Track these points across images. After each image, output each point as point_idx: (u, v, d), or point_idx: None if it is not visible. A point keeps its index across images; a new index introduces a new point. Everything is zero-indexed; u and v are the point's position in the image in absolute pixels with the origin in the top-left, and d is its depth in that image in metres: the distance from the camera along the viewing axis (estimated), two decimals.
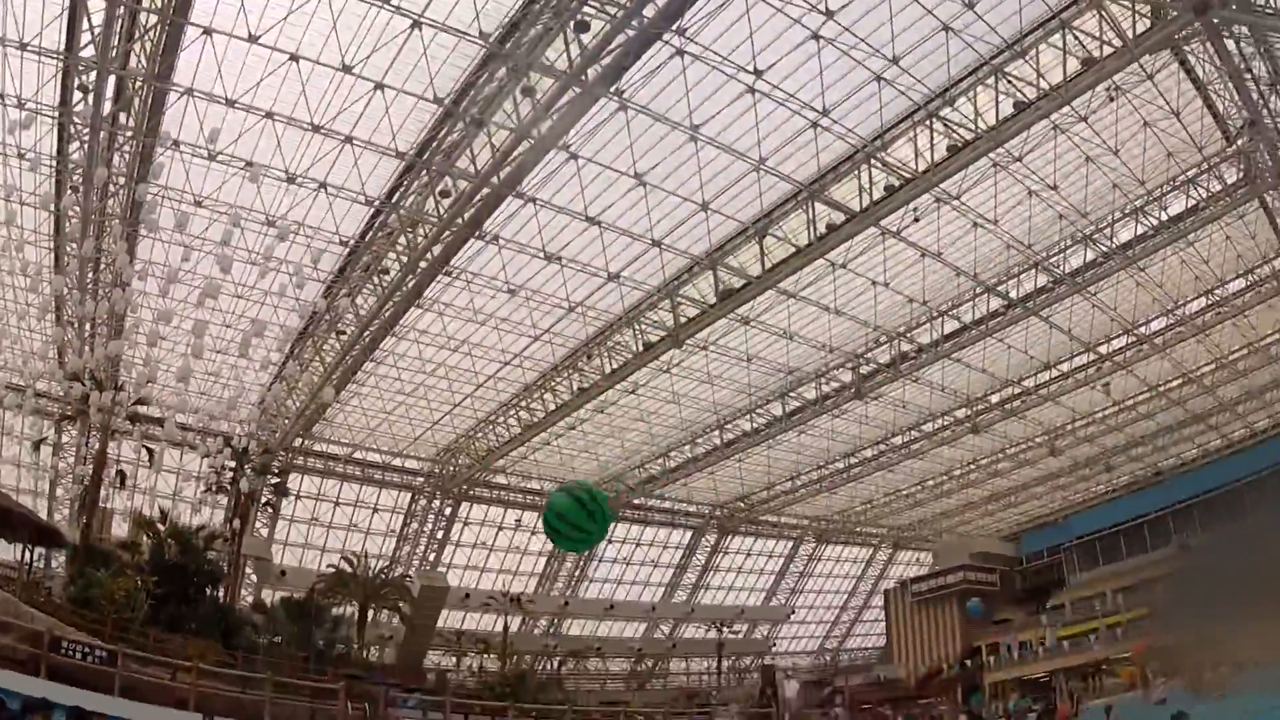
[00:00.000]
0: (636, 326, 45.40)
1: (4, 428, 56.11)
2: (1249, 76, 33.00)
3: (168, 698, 25.94)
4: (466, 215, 36.25)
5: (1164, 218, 41.39)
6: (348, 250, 40.21)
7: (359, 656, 51.03)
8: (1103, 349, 53.01)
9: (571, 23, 28.83)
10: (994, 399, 57.71)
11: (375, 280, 41.23)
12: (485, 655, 63.35)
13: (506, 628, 64.75)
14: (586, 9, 28.49)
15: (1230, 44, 31.33)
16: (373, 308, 42.28)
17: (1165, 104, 34.80)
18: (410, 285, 40.57)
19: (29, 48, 29.98)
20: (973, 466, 69.67)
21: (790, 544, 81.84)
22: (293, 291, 38.00)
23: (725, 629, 75.02)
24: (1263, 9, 29.27)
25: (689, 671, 79.54)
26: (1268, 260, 47.36)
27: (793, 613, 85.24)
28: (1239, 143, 37.60)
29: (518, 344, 47.78)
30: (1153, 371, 56.15)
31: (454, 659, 64.95)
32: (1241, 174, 39.27)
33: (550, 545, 67.36)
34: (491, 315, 45.01)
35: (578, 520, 7.86)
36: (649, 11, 28.13)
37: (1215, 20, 29.05)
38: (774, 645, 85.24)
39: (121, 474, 52.78)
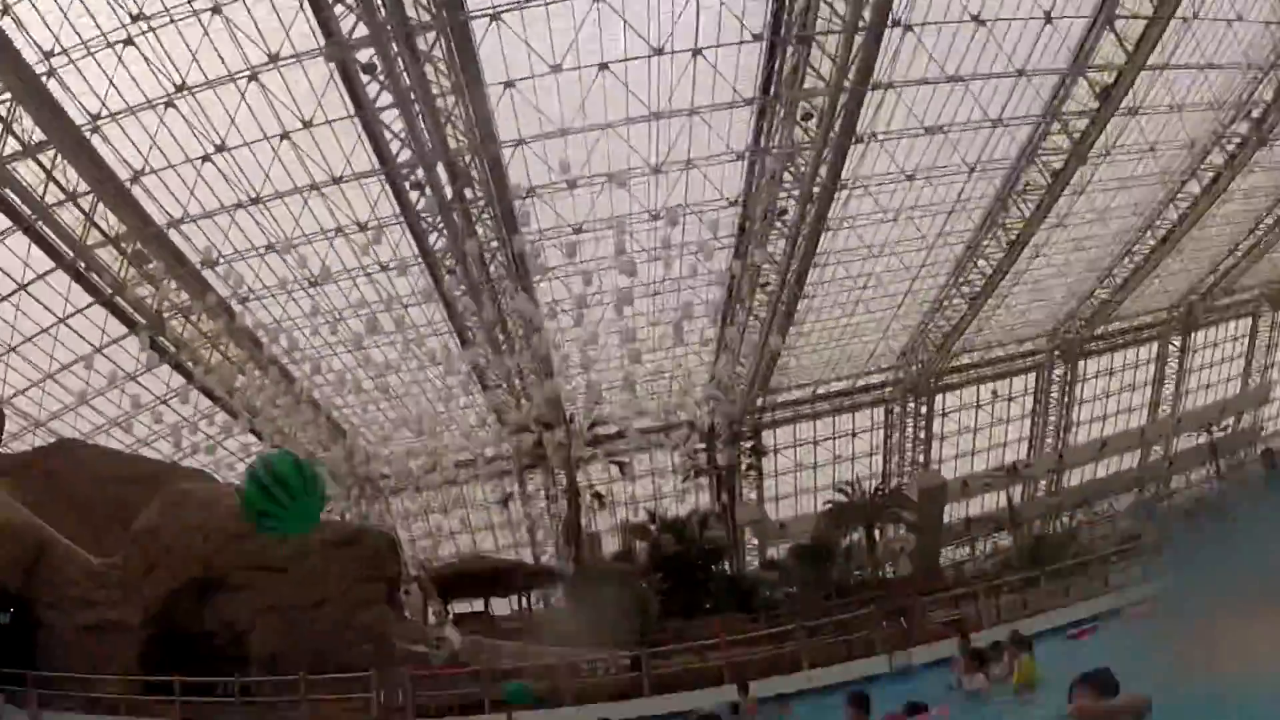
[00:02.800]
0: (1038, 161, 42.44)
1: (468, 502, 59.83)
2: None
3: (702, 681, 26.44)
4: (837, 126, 34.75)
5: None
6: (740, 207, 39.80)
7: (874, 578, 50.60)
8: None
9: None
10: None
11: (778, 225, 40.49)
12: (996, 533, 61.58)
13: (1010, 500, 62.64)
14: None
15: None
16: (785, 248, 41.79)
17: None
18: (811, 213, 39.62)
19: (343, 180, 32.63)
20: None
21: (1249, 321, 74.50)
22: (703, 268, 38.28)
23: (1214, 429, 69.14)
24: None
25: (1189, 484, 73.95)
26: None
27: (1271, 389, 77.47)
28: None
29: (935, 225, 45.87)
30: None
31: (968, 549, 63.64)
32: None
33: (1030, 405, 66.12)
34: (900, 208, 43.42)
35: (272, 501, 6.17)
36: None
37: None
38: (1263, 430, 77.82)
39: (598, 495, 54.56)
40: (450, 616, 38.39)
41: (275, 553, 28.97)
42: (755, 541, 60.12)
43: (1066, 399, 67.31)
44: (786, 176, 37.49)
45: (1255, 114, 44.31)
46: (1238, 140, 45.80)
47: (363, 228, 35.82)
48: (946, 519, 59.74)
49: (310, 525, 5.90)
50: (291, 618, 28.56)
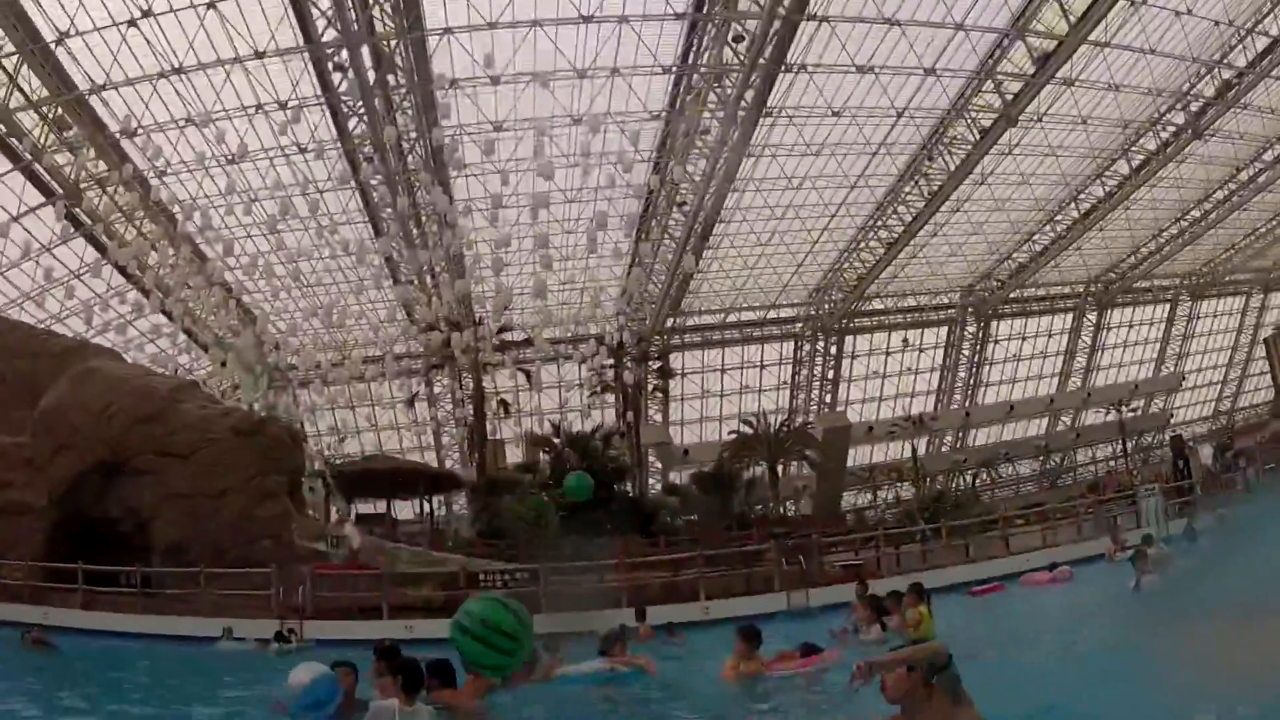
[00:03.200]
0: (967, 116, 42.73)
1: (374, 399, 59.41)
2: None
3: (598, 602, 26.54)
4: (767, 53, 34.60)
5: None
6: (662, 122, 39.78)
7: (775, 514, 50.83)
8: None
9: None
10: None
11: (700, 143, 40.48)
12: (899, 484, 62.67)
13: (915, 451, 63.46)
14: None
15: None
16: (705, 169, 41.68)
17: None
18: (735, 136, 39.30)
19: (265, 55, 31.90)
20: None
21: (1166, 308, 76.26)
22: (621, 179, 38.04)
23: (1124, 408, 70.64)
24: None
25: (1095, 461, 75.84)
26: None
27: (1184, 379, 79.46)
28: None
29: (857, 165, 46.07)
30: None
31: (870, 495, 64.63)
32: None
33: (940, 359, 67.06)
34: (823, 144, 43.60)
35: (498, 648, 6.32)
36: None
37: None
38: (1172, 416, 79.92)
39: (504, 403, 54.27)
40: (353, 515, 38.15)
41: (179, 439, 28.93)
42: (658, 465, 60.43)
43: (977, 358, 68.42)
44: (712, 97, 37.45)
45: (1194, 107, 44.92)
46: (1173, 129, 46.43)
47: (283, 106, 35.28)
48: (850, 463, 60.26)
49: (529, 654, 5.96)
50: (194, 506, 28.18)
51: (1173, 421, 75.51)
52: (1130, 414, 69.31)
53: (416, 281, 45.61)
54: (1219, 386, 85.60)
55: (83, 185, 40.06)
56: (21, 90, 35.55)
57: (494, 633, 5.96)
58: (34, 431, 29.82)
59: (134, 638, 24.11)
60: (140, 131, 36.35)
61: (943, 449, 70.44)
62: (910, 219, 50.19)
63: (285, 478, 30.38)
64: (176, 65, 34.17)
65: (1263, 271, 75.86)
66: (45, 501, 28.94)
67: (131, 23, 32.36)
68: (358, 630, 23.77)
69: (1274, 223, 63.93)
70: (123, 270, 41.52)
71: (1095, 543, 29.71)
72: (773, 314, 62.57)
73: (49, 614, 25.10)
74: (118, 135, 37.13)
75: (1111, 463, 69.81)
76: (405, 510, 49.89)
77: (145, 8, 31.56)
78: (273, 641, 22.30)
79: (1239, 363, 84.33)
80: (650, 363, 57.17)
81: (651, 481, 59.05)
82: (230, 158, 37.86)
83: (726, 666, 11.94)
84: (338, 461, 48.20)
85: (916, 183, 47.68)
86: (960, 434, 71.27)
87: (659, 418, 61.89)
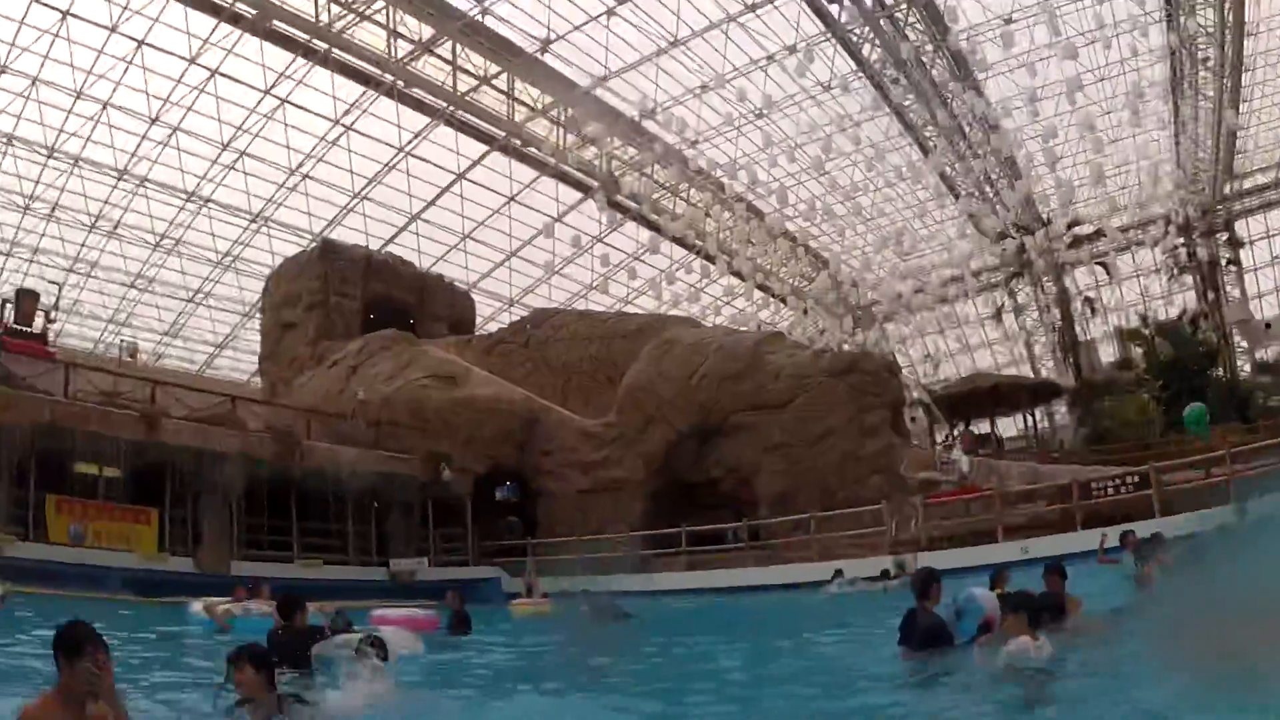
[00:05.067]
0: None
1: (960, 319, 58.73)
2: None
3: (1211, 497, 24.24)
4: None
5: None
6: None
7: None
8: None
9: None
10: None
11: None
12: None
13: None
14: None
15: None
16: (1214, 19, 38.08)
17: None
18: None
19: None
20: None
21: None
22: (1140, 43, 36.38)
23: None
24: None
25: None
26: None
27: None
28: None
29: None
30: None
31: None
32: None
33: None
34: None
35: None
36: None
37: None
38: None
39: (1088, 300, 52.50)
40: (958, 439, 37.62)
41: (772, 390, 29.52)
42: (1244, 343, 55.40)
43: None
44: None
45: None
46: None
47: (792, 50, 35.63)
48: None
49: None
50: (796, 454, 28.62)
51: None
52: None
53: (977, 192, 44.70)
54: None
55: (618, 173, 42.64)
56: (521, 102, 38.62)
57: None
58: (620, 408, 31.53)
59: (744, 591, 24.49)
60: (658, 109, 38.08)
61: None
62: None
63: (887, 411, 29.77)
64: (672, 38, 35.75)
65: None
66: (642, 474, 30.52)
67: (610, 12, 34.26)
68: (973, 556, 22.40)
69: None
70: (681, 241, 43.49)
71: None
72: None
73: (653, 580, 26.31)
74: (637, 119, 39.07)
75: None
76: (1009, 427, 49.22)
77: None
78: (879, 580, 21.87)
79: None
80: (1218, 235, 52.71)
81: (1241, 363, 54.37)
82: (758, 111, 38.89)
83: None
84: (936, 387, 48.11)
85: None
86: None
87: (1236, 293, 56.72)
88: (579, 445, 31.78)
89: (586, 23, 34.77)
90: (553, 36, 35.61)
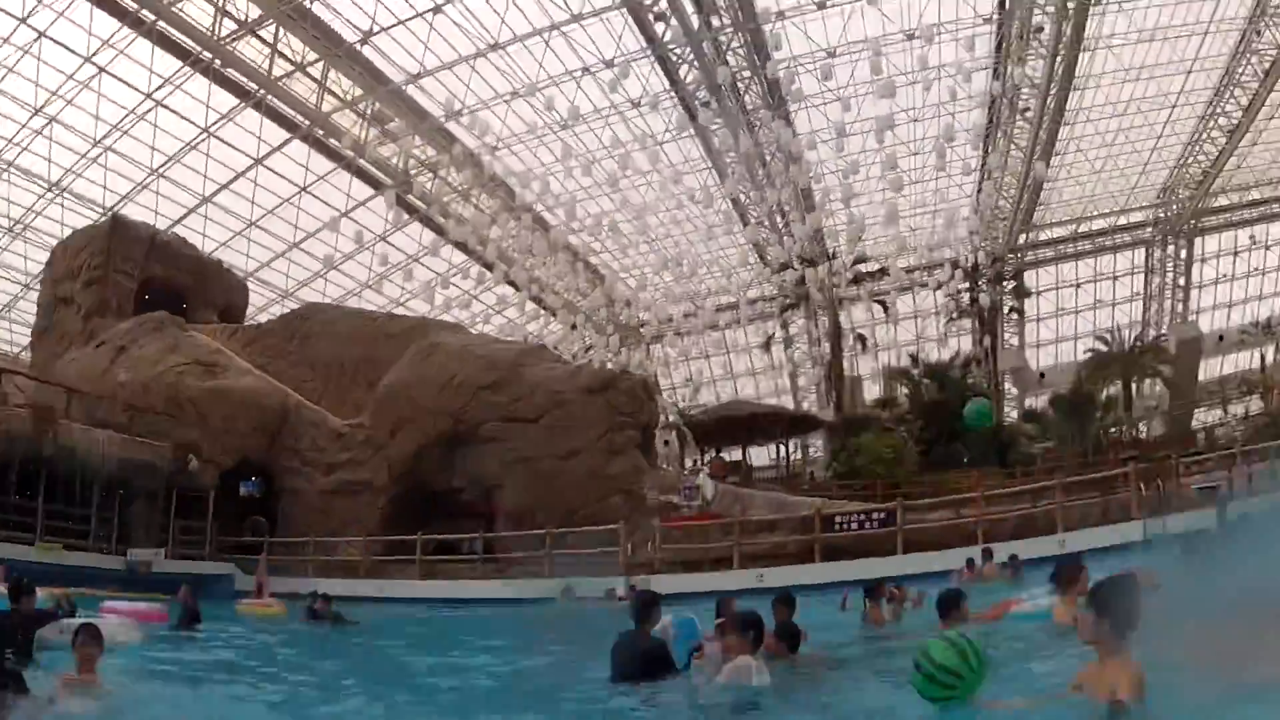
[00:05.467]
0: None
1: (729, 346, 59.08)
2: None
3: (955, 538, 24.60)
4: None
5: None
6: (995, 25, 38.01)
7: (1127, 435, 47.63)
8: None
9: None
10: None
11: (1035, 42, 38.31)
12: (1248, 396, 56.20)
13: (1263, 359, 55.96)
14: None
15: None
16: (1043, 70, 39.60)
17: None
18: (1068, 30, 37.21)
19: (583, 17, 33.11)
20: None
21: None
22: (962, 88, 36.73)
23: None
24: None
25: None
26: None
27: None
28: None
29: (1189, 48, 42.36)
30: None
31: (1220, 411, 58.39)
32: None
33: None
34: (1155, 28, 40.44)
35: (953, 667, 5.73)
36: None
37: None
38: None
39: (861, 337, 53.41)
40: (707, 464, 37.65)
41: (526, 403, 29.24)
42: (1015, 390, 57.32)
43: None
44: None
45: None
46: None
47: (609, 64, 35.57)
48: (1201, 375, 56.01)
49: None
50: (542, 469, 28.44)
51: None
52: None
53: (767, 222, 44.86)
54: None
55: (412, 172, 41.82)
56: (332, 93, 37.24)
57: (943, 673, 5.79)
58: (374, 410, 30.89)
59: (476, 603, 24.15)
60: (465, 111, 37.37)
61: None
62: (1248, 101, 45.78)
63: (637, 432, 29.98)
64: (493, 42, 35.29)
65: None
66: (385, 478, 29.92)
67: (437, 9, 33.60)
68: (707, 582, 22.55)
69: None
70: (463, 247, 42.74)
71: None
72: (1122, 220, 58.87)
73: (384, 587, 26.07)
74: (442, 119, 38.45)
75: None
76: (763, 457, 49.48)
77: None
78: (605, 600, 21.88)
79: None
80: (1005, 282, 54.43)
81: (1009, 410, 56.15)
82: (563, 123, 38.52)
83: None
84: (693, 411, 48.28)
85: (1249, 61, 43.46)
86: None
87: (1014, 341, 58.84)
88: (327, 445, 31.02)
89: (412, 18, 34.11)
90: (375, 29, 34.77)
